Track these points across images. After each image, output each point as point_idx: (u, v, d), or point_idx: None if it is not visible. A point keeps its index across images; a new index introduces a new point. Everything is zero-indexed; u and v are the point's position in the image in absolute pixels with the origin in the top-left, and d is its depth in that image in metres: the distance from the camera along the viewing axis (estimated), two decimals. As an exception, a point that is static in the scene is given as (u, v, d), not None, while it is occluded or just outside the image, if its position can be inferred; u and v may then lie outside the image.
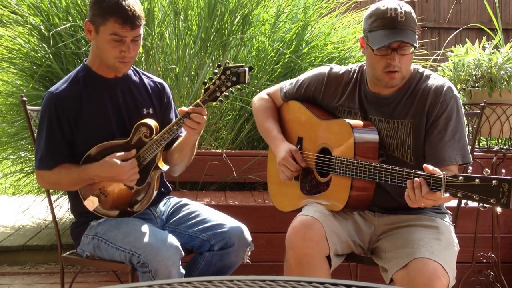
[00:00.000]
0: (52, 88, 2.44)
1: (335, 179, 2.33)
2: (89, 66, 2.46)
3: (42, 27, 4.10)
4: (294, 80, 2.59)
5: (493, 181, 1.83)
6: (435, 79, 2.32)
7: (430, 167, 2.00)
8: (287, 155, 2.43)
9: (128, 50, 2.33)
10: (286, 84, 2.61)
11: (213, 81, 2.32)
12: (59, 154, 2.40)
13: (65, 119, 2.39)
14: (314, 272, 2.19)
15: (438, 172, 1.98)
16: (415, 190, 2.01)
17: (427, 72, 2.36)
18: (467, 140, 2.28)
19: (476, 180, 1.86)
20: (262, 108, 2.64)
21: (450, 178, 1.92)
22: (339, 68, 2.49)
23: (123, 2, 2.29)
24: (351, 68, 2.46)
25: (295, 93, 2.56)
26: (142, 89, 2.52)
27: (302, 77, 2.56)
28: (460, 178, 1.90)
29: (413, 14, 2.27)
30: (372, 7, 2.29)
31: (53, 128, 2.39)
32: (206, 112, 2.33)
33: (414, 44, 2.22)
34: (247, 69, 2.30)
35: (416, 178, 2.02)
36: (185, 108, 2.34)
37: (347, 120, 2.32)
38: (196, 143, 2.49)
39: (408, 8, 2.25)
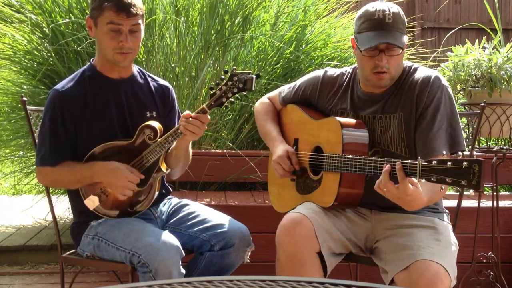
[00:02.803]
0: (58, 86, 2.44)
1: (325, 176, 2.35)
2: (95, 66, 2.47)
3: (44, 25, 4.11)
4: (292, 85, 2.64)
5: (464, 163, 1.81)
6: (423, 71, 2.34)
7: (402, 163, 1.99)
8: (283, 155, 2.46)
9: (126, 40, 2.33)
10: (285, 89, 2.67)
11: (220, 86, 2.32)
12: (62, 151, 2.40)
13: (69, 118, 2.39)
14: (305, 268, 2.20)
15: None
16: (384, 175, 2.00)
17: (415, 65, 2.38)
18: (459, 128, 2.27)
19: (449, 163, 1.85)
20: (262, 111, 2.69)
21: (425, 163, 1.92)
22: (333, 71, 2.53)
23: None
24: (346, 71, 2.51)
25: (293, 97, 2.61)
26: (147, 92, 2.52)
27: (299, 81, 2.61)
28: (434, 162, 1.89)
29: (402, 16, 2.29)
30: (363, 9, 2.32)
31: (57, 125, 2.39)
32: (209, 118, 2.34)
33: (400, 46, 2.25)
34: (254, 76, 2.31)
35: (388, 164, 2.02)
36: (189, 113, 2.34)
37: (337, 117, 2.35)
38: (190, 147, 2.51)
39: (396, 9, 2.28)
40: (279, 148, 2.50)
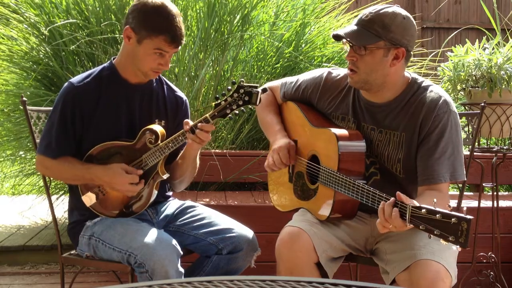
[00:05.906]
0: (74, 80, 2.44)
1: (321, 188, 2.33)
2: (116, 67, 2.45)
3: (42, 26, 4.11)
4: (294, 79, 2.55)
5: (453, 219, 1.77)
6: (431, 92, 2.22)
7: (402, 195, 1.92)
8: (284, 146, 2.41)
9: (166, 64, 2.37)
10: (287, 82, 2.57)
11: (225, 97, 2.29)
12: (66, 145, 2.40)
13: (80, 113, 2.39)
14: None
15: (408, 201, 1.90)
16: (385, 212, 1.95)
17: (425, 83, 2.27)
18: (461, 157, 2.19)
19: (437, 215, 1.80)
20: (264, 102, 2.58)
21: (414, 209, 1.85)
22: (337, 73, 2.43)
23: (174, 22, 2.31)
24: None
25: (293, 94, 2.54)
26: (160, 100, 2.52)
27: (301, 78, 2.53)
28: (423, 210, 1.83)
29: (391, 20, 2.14)
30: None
31: (66, 119, 2.39)
32: (214, 128, 2.33)
33: (355, 43, 2.16)
34: (260, 90, 2.26)
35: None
36: (190, 122, 2.34)
37: (333, 130, 2.27)
38: (198, 157, 2.49)
39: (392, 13, 2.15)
40: (282, 140, 2.45)
